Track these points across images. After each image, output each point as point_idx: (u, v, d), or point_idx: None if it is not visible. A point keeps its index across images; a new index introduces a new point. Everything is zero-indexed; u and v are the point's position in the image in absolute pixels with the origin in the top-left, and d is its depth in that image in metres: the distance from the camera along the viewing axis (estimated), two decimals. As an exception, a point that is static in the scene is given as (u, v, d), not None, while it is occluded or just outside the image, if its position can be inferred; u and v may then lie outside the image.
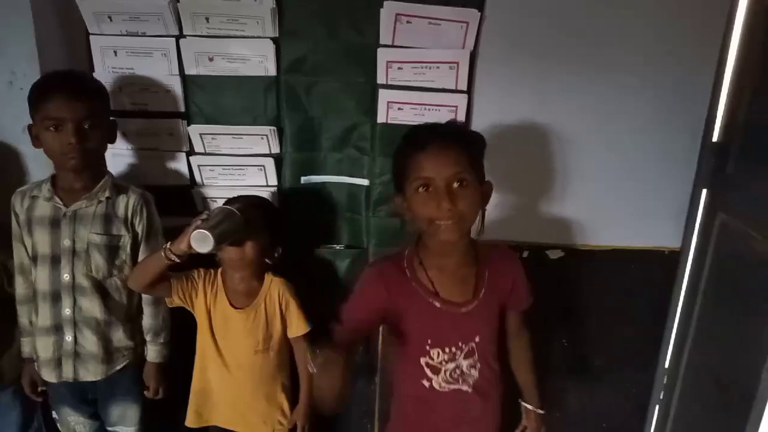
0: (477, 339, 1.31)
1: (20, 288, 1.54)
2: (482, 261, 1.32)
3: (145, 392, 1.62)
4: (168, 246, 1.35)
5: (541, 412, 1.49)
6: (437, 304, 1.26)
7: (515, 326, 1.45)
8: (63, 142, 1.38)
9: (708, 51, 1.65)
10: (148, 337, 1.60)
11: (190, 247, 1.30)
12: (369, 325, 1.36)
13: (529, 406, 1.49)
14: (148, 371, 1.62)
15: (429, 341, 1.29)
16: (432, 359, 1.30)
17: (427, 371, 1.31)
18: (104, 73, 1.64)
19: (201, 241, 1.27)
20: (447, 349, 1.29)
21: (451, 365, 1.31)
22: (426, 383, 1.32)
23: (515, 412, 1.54)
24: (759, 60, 1.57)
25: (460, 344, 1.30)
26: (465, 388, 1.33)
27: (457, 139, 1.20)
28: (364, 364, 1.97)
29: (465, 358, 1.31)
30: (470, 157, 1.19)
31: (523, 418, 1.53)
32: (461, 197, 1.15)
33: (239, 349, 1.54)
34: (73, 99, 1.38)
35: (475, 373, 1.33)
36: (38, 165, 1.60)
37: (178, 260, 1.35)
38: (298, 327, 1.58)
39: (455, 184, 1.16)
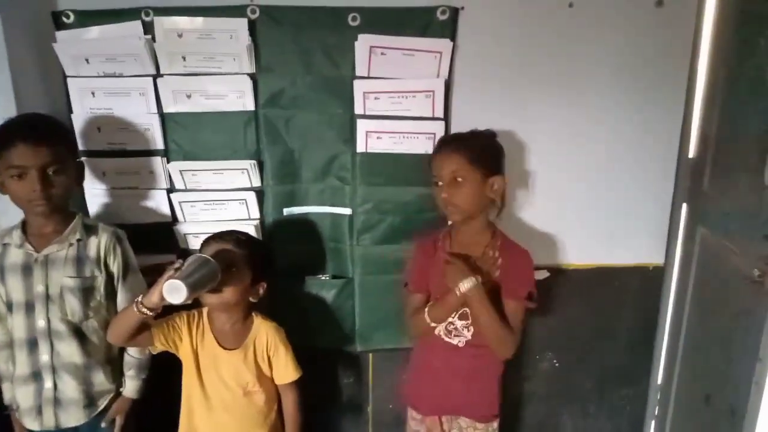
0: None
1: None
2: (493, 246, 1.54)
3: (104, 425, 1.55)
4: (140, 299, 1.31)
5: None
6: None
7: (508, 315, 1.52)
8: (28, 190, 1.37)
9: (677, 72, 1.70)
10: (130, 373, 1.57)
11: (162, 299, 1.26)
12: (427, 283, 1.59)
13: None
14: (120, 406, 1.56)
15: (437, 297, 1.55)
16: None
17: None
18: (82, 113, 1.65)
19: (174, 291, 1.23)
20: None
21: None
22: (435, 329, 1.57)
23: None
24: (726, 78, 1.61)
25: None
26: (456, 342, 1.56)
27: (459, 147, 1.49)
28: (356, 396, 1.97)
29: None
30: (470, 156, 1.46)
31: None
32: (458, 189, 1.46)
33: (228, 390, 1.50)
34: (35, 146, 1.35)
35: (468, 334, 1.54)
36: (16, 209, 1.55)
37: (151, 313, 1.31)
38: (286, 374, 1.55)
39: (458, 179, 1.46)
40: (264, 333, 1.53)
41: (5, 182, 1.39)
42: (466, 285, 1.42)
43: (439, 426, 1.65)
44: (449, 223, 1.60)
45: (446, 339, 1.56)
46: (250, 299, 1.49)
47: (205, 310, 1.52)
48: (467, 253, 1.53)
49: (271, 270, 1.55)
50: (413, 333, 1.63)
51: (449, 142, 1.53)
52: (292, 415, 1.57)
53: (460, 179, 1.46)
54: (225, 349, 1.50)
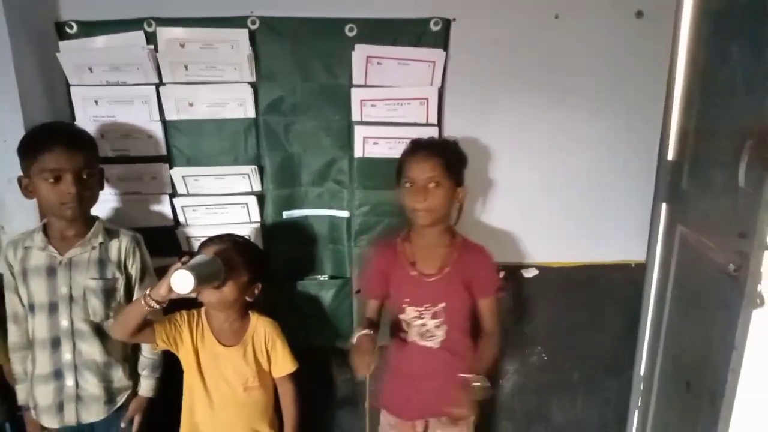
0: (443, 305, 1.56)
1: (13, 336, 1.54)
2: (455, 247, 1.58)
3: (123, 425, 1.60)
4: (148, 293, 1.33)
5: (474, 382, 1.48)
6: (413, 273, 1.57)
7: (484, 318, 1.62)
8: (62, 192, 1.41)
9: (656, 78, 1.78)
10: (144, 373, 1.61)
11: (170, 291, 1.29)
12: (383, 288, 1.63)
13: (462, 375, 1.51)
14: (138, 404, 1.61)
15: (407, 300, 1.58)
16: (407, 316, 1.58)
17: (404, 325, 1.60)
18: (85, 121, 1.67)
19: (182, 281, 1.26)
20: (417, 308, 1.57)
21: (419, 322, 1.58)
22: (404, 336, 1.61)
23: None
24: (701, 84, 1.69)
25: (427, 306, 1.57)
26: (431, 345, 1.59)
27: (437, 153, 1.51)
28: (353, 394, 2.01)
29: (432, 318, 1.57)
30: (447, 164, 1.50)
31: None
32: (433, 194, 1.48)
33: (228, 386, 1.53)
34: (71, 150, 1.41)
35: (441, 333, 1.58)
36: (23, 214, 1.62)
37: (158, 306, 1.34)
38: (283, 367, 1.59)
39: (431, 185, 1.48)
40: (261, 328, 1.57)
41: (37, 185, 1.42)
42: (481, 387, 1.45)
43: None
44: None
45: (421, 343, 1.59)
46: (247, 298, 1.53)
47: (203, 310, 1.55)
48: (428, 255, 1.57)
49: (266, 271, 1.58)
50: None
51: (427, 147, 1.55)
52: (290, 406, 1.61)
53: (433, 185, 1.48)
54: (225, 346, 1.53)
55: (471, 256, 1.59)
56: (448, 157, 1.52)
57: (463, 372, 1.55)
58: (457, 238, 1.61)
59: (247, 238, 1.69)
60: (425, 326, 1.58)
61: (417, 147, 1.55)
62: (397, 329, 1.62)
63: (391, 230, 1.71)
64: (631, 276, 1.94)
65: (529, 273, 1.91)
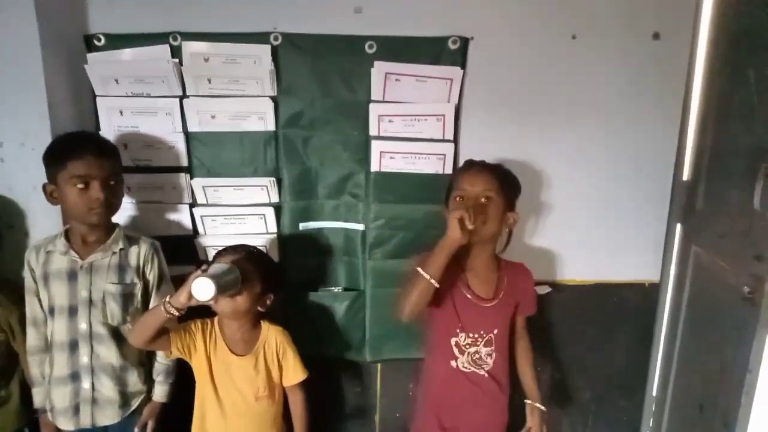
0: (496, 331, 1.57)
1: (32, 340, 1.56)
2: (503, 270, 1.61)
3: (137, 429, 1.61)
4: (167, 300, 1.35)
5: (542, 407, 1.60)
6: (469, 296, 1.55)
7: (520, 329, 1.70)
8: (91, 199, 1.45)
9: (672, 100, 1.79)
10: (159, 378, 1.64)
11: (190, 298, 1.31)
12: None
13: (531, 402, 1.62)
14: (152, 409, 1.64)
15: (460, 325, 1.55)
16: (460, 340, 1.56)
17: (455, 351, 1.57)
18: (110, 131, 1.72)
19: (203, 288, 1.29)
20: (472, 335, 1.55)
21: (473, 349, 1.57)
22: (453, 363, 1.57)
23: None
24: (717, 106, 1.70)
25: (482, 332, 1.56)
26: (481, 372, 1.58)
27: (491, 169, 1.53)
28: (364, 405, 2.01)
29: (485, 345, 1.56)
30: (501, 182, 1.50)
31: (527, 415, 1.61)
32: (481, 208, 1.46)
33: (240, 396, 1.54)
34: (100, 158, 1.46)
35: (490, 361, 1.58)
36: (47, 220, 1.65)
37: (177, 313, 1.36)
38: (294, 375, 1.60)
39: (482, 199, 1.48)
40: (273, 337, 1.58)
41: (65, 191, 1.46)
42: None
43: None
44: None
45: (470, 369, 1.57)
46: (259, 308, 1.55)
47: (216, 320, 1.56)
48: (480, 278, 1.57)
49: (279, 282, 1.60)
50: (407, 304, 1.45)
51: (481, 164, 1.57)
52: (301, 414, 1.62)
53: (485, 199, 1.48)
54: (237, 355, 1.54)
55: (518, 276, 1.64)
56: (501, 176, 1.53)
57: (504, 400, 1.61)
58: (501, 260, 1.65)
59: (262, 248, 1.71)
60: (478, 354, 1.57)
61: (471, 163, 1.58)
62: (444, 353, 1.58)
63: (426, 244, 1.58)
64: (645, 295, 1.94)
65: (542, 290, 1.90)
